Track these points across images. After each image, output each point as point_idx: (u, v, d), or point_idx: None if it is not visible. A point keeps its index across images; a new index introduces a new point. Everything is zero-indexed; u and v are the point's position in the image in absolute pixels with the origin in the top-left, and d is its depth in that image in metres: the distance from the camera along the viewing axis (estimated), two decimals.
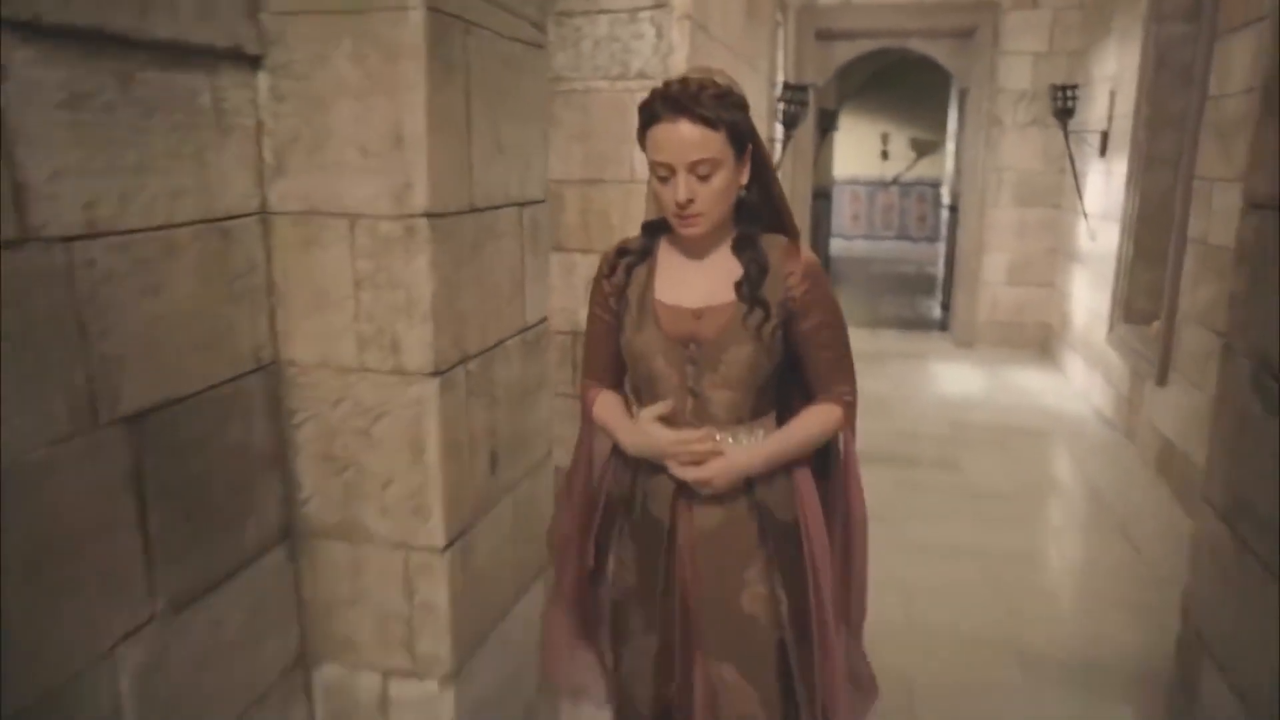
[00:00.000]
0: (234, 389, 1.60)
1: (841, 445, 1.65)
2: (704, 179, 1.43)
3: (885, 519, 3.47)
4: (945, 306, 8.10)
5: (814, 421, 1.59)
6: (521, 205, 1.99)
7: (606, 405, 1.67)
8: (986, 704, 2.58)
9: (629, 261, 1.60)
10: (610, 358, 1.66)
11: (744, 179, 1.50)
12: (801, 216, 7.33)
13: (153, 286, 1.40)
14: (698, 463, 1.52)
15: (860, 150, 14.10)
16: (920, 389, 6.18)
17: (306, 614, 1.84)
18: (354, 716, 1.87)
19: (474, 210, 1.75)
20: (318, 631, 1.84)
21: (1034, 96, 6.77)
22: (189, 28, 1.41)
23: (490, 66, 1.78)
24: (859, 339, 7.10)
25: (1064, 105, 6.04)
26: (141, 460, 1.39)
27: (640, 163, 3.31)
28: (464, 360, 1.78)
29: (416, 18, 1.52)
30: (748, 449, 1.54)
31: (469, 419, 1.82)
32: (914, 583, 3.25)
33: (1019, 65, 6.87)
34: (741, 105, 1.45)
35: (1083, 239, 6.15)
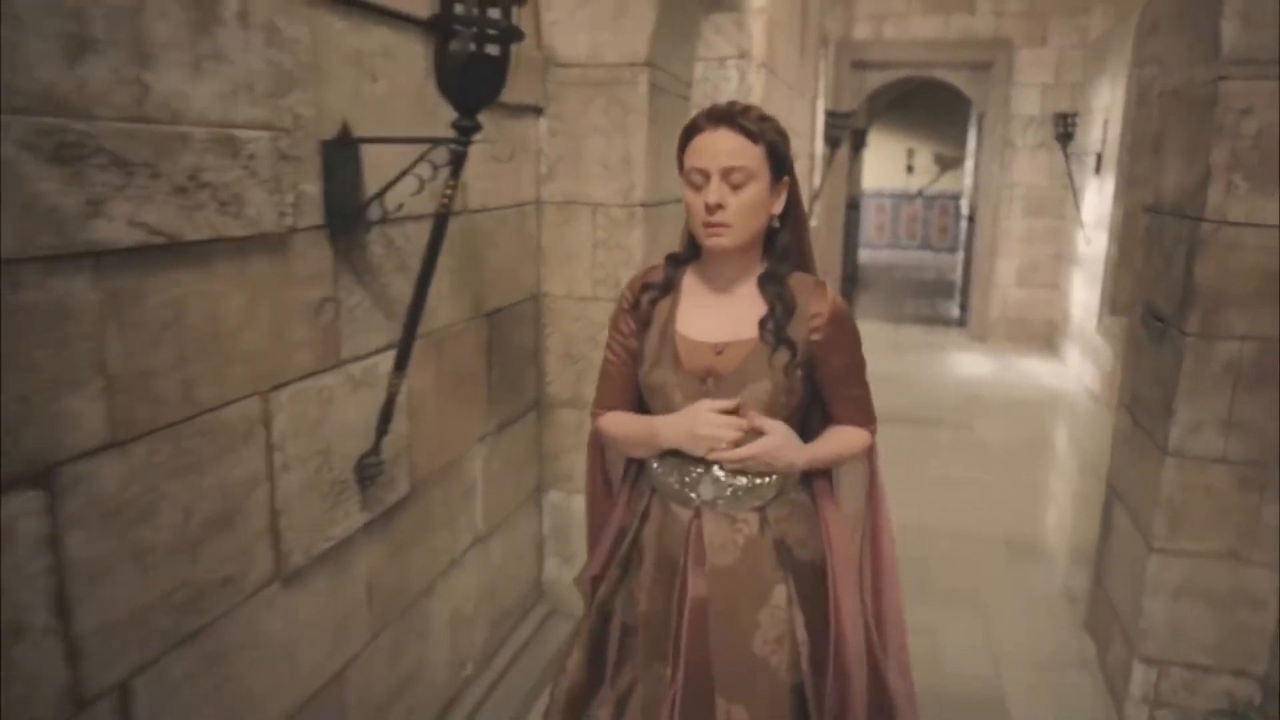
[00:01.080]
0: (522, 307, 2.67)
1: (869, 475, 1.71)
2: (736, 189, 1.43)
3: (905, 463, 4.56)
4: (962, 306, 9.12)
5: (844, 437, 1.62)
6: (679, 201, 3.06)
7: (619, 417, 1.66)
8: (981, 572, 3.62)
9: (653, 295, 1.58)
10: (622, 394, 1.66)
11: (777, 208, 1.51)
12: (836, 226, 8.39)
13: (496, 241, 2.47)
14: (738, 444, 1.49)
15: (886, 165, 15.11)
16: (938, 371, 7.20)
17: (544, 457, 2.89)
18: (569, 527, 2.92)
19: (660, 203, 2.81)
20: (549, 469, 2.90)
21: (1041, 122, 7.79)
22: (523, 95, 2.48)
23: (666, 113, 2.84)
24: (883, 333, 8.19)
25: (1065, 131, 7.06)
26: (491, 337, 2.46)
27: None
28: None
29: (643, 88, 2.58)
30: (797, 444, 1.55)
31: None
32: (927, 501, 4.29)
33: (1029, 94, 7.90)
34: (783, 134, 1.49)
35: (1080, 245, 7.15)
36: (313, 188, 1.65)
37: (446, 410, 2.24)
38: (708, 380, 1.51)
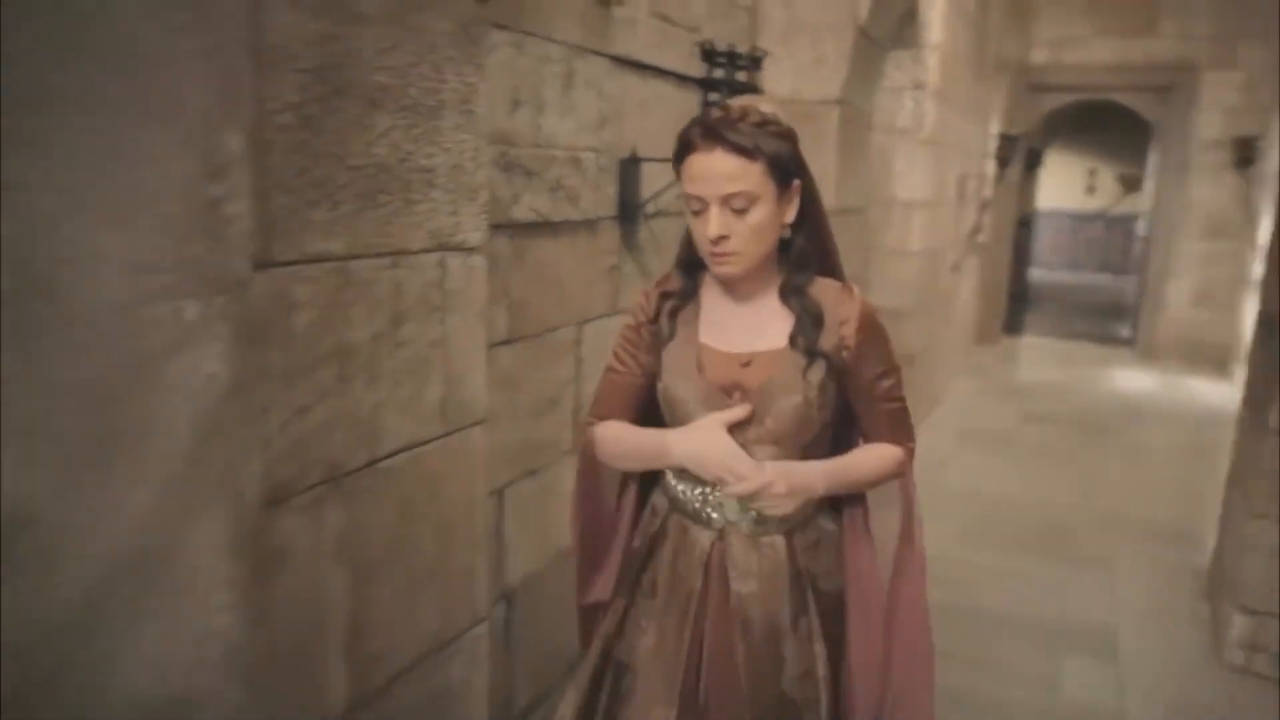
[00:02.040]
0: None
1: (904, 498, 1.53)
2: (739, 213, 1.30)
3: (1060, 456, 5.03)
4: (1133, 326, 9.21)
5: (873, 455, 1.47)
6: (864, 209, 3.75)
7: (620, 427, 1.51)
8: (1119, 545, 4.09)
9: (673, 305, 1.46)
10: (623, 405, 1.52)
11: (788, 216, 1.36)
12: (1005, 243, 8.73)
13: None
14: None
15: (1066, 184, 14.97)
16: (1102, 384, 7.45)
17: None
18: None
19: (845, 211, 3.51)
20: None
21: (1224, 145, 7.86)
22: None
23: (852, 137, 3.53)
24: (1048, 346, 8.47)
25: (1246, 155, 7.17)
26: None
27: (898, 184, 4.99)
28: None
29: (834, 120, 3.29)
30: (813, 466, 1.40)
31: None
32: (1079, 487, 4.73)
33: (1212, 117, 7.98)
34: (785, 135, 1.33)
35: (1255, 269, 7.22)
36: (612, 190, 2.47)
37: None
38: (734, 395, 1.39)
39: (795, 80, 3.30)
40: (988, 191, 7.34)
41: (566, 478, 2.42)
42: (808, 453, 1.41)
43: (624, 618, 1.52)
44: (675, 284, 1.49)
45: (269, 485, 1.05)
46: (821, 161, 3.31)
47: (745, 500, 1.37)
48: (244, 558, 0.93)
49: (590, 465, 1.59)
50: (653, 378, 1.49)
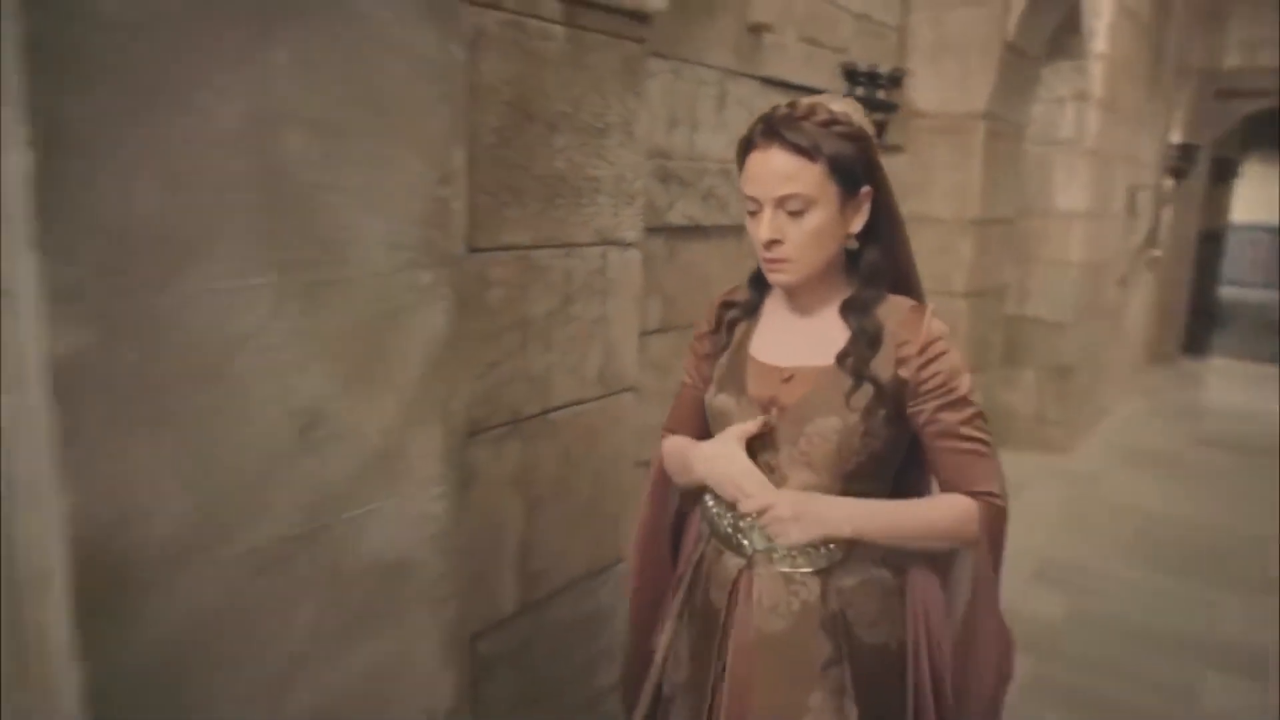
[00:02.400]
0: None
1: (975, 569, 1.28)
2: (795, 217, 1.20)
3: (1218, 479, 4.79)
4: None
5: (937, 507, 1.26)
6: (1013, 220, 3.82)
7: (677, 440, 1.43)
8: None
9: (734, 316, 1.39)
10: (690, 419, 1.45)
11: (854, 226, 1.24)
12: (1184, 258, 8.29)
13: None
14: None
15: (1268, 196, 13.87)
16: None
17: None
18: None
19: (987, 221, 3.60)
20: None
21: None
22: (890, 138, 3.43)
23: (999, 150, 3.62)
24: (1236, 369, 7.94)
25: None
26: None
27: (1058, 196, 4.96)
28: (992, 288, 3.64)
29: (980, 133, 3.41)
30: (843, 502, 1.23)
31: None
32: (1249, 509, 4.55)
33: None
34: (854, 136, 1.21)
35: None
36: None
37: None
38: (771, 411, 1.27)
39: (942, 95, 3.44)
40: (1163, 204, 7.04)
41: None
42: (851, 486, 1.24)
43: (670, 646, 1.43)
44: (740, 295, 1.40)
45: (467, 419, 1.38)
46: (965, 173, 3.43)
47: (757, 523, 1.26)
48: (451, 466, 1.25)
49: (660, 478, 1.47)
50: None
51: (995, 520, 1.24)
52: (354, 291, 1.08)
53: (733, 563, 1.32)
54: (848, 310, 1.26)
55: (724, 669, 1.31)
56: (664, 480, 1.46)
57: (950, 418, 1.23)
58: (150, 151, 0.89)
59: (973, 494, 1.23)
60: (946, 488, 1.26)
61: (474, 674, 1.46)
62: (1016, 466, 4.97)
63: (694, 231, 2.45)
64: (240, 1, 0.93)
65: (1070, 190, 5.06)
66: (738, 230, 2.64)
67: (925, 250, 3.58)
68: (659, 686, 1.44)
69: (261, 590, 1.04)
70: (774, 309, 1.36)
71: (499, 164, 1.43)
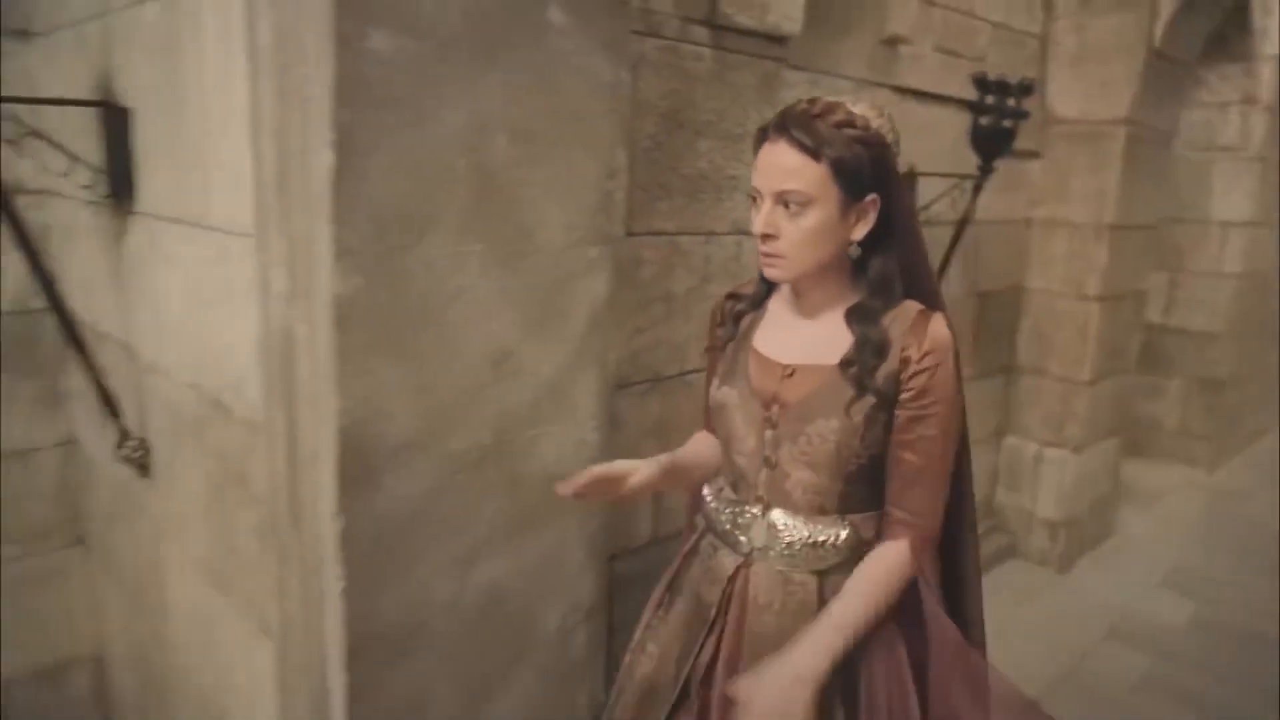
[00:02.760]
0: (1005, 294, 3.70)
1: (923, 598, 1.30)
2: (793, 213, 1.19)
3: None
4: None
5: (875, 572, 1.24)
6: (1154, 227, 3.83)
7: (696, 444, 1.47)
8: None
9: (740, 309, 1.39)
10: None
11: (856, 234, 1.22)
12: None
13: (992, 243, 3.53)
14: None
15: None
16: None
17: (1008, 407, 3.88)
18: (1020, 466, 3.87)
19: (1125, 227, 3.63)
20: (1010, 419, 3.88)
21: None
22: (1024, 143, 3.52)
23: (1141, 156, 3.63)
24: None
25: None
26: (979, 310, 3.54)
27: (1215, 203, 4.83)
28: (1129, 293, 3.68)
29: (1120, 140, 3.45)
30: (798, 657, 1.16)
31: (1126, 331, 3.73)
32: None
33: None
34: (867, 141, 1.19)
35: None
36: None
37: None
38: (772, 408, 1.27)
39: (1083, 102, 3.51)
40: None
41: None
42: (850, 487, 1.25)
43: (643, 638, 1.44)
44: (748, 289, 1.40)
45: (617, 373, 1.69)
46: (1103, 179, 3.49)
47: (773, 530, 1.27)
48: (604, 407, 1.56)
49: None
50: None
51: (919, 543, 1.25)
52: (539, 261, 1.40)
53: (729, 559, 1.32)
54: (853, 317, 1.24)
55: (711, 664, 1.30)
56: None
57: (912, 431, 1.22)
58: (403, 152, 1.23)
59: (897, 517, 1.25)
60: (892, 503, 1.26)
61: (610, 588, 1.76)
62: (1156, 476, 4.92)
63: None
64: (468, 41, 1.26)
65: (1230, 198, 4.92)
66: None
67: (1058, 255, 3.66)
68: (632, 674, 1.43)
69: (460, 484, 1.37)
70: (780, 306, 1.35)
71: (653, 164, 1.73)
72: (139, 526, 2.00)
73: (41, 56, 2.01)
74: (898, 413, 1.22)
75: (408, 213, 1.25)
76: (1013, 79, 2.68)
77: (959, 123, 3.00)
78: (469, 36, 1.24)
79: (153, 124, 1.66)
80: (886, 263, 1.24)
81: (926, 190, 2.97)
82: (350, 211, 1.18)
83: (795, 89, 2.45)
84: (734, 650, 1.29)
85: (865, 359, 1.22)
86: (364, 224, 1.20)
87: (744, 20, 1.78)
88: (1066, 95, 3.56)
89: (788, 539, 1.27)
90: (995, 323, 3.69)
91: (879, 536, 1.27)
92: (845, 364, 1.23)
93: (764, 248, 1.22)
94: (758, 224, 1.21)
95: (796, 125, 1.18)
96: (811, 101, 1.22)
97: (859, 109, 1.21)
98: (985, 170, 2.78)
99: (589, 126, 1.41)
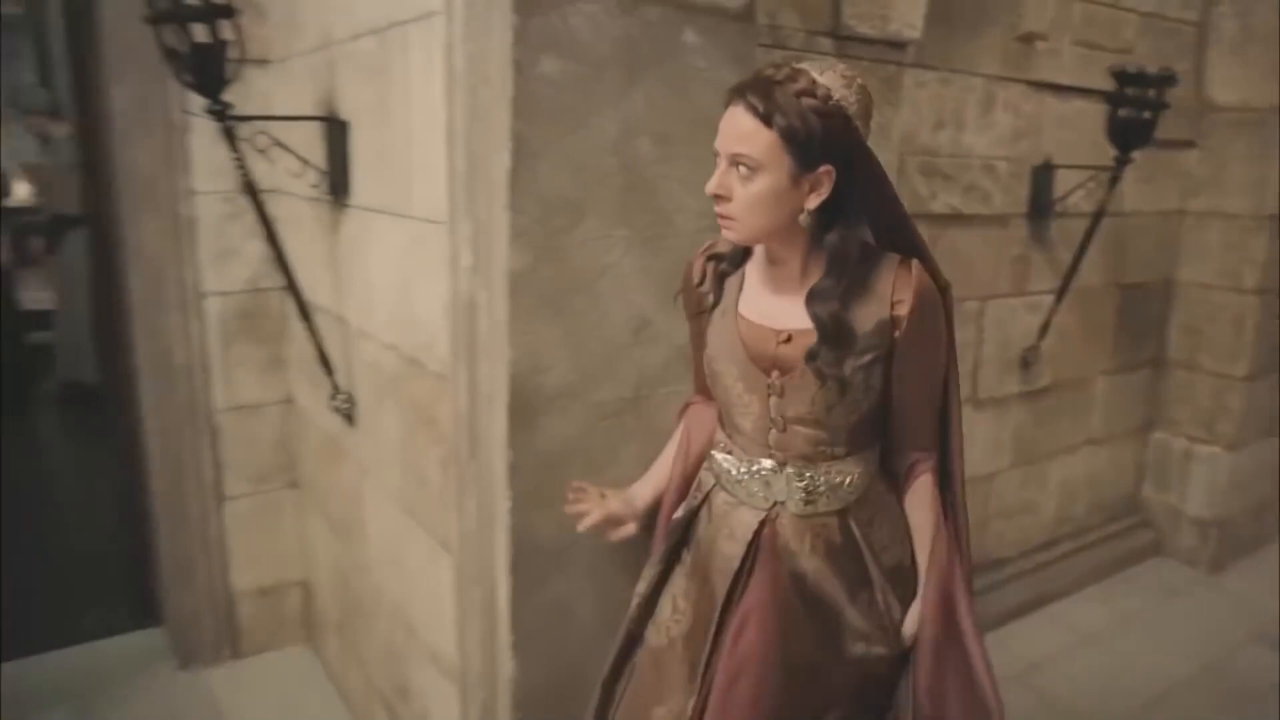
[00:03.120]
0: (1152, 287, 3.65)
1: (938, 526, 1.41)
2: (744, 178, 1.22)
3: None
4: None
5: (929, 515, 1.41)
6: None
7: (687, 424, 1.59)
8: None
9: (722, 268, 1.41)
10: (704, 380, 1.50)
11: (809, 203, 1.24)
12: None
13: (1137, 235, 3.50)
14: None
15: None
16: None
17: (1159, 402, 3.81)
18: (1170, 462, 3.80)
19: None
20: (1161, 414, 3.81)
21: None
22: (1173, 132, 3.47)
23: None
24: None
25: None
26: (1123, 303, 3.52)
27: None
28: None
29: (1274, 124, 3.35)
30: (930, 593, 1.37)
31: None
32: None
33: None
34: (826, 113, 1.19)
35: None
36: (1023, 192, 2.99)
37: (1082, 343, 3.40)
38: (772, 374, 1.32)
39: (1245, 89, 3.43)
40: None
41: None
42: (856, 436, 1.35)
43: (654, 590, 1.50)
44: (723, 247, 1.41)
45: None
46: (1264, 168, 3.41)
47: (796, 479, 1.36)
48: None
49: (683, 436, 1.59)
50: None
51: (936, 471, 1.42)
52: (673, 244, 1.66)
53: (750, 515, 1.37)
54: (811, 301, 1.27)
55: (728, 621, 1.36)
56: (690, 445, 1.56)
57: (913, 373, 1.32)
58: (564, 154, 1.51)
59: (914, 460, 1.39)
60: (895, 435, 1.39)
61: None
62: None
63: (955, 219, 2.79)
64: (616, 63, 1.53)
65: None
66: (1000, 220, 2.94)
67: (1214, 246, 3.59)
68: (631, 635, 1.52)
69: (603, 429, 1.65)
70: (757, 272, 1.37)
71: None
72: (344, 468, 2.41)
73: (277, 80, 2.45)
74: (896, 358, 1.30)
75: (568, 202, 1.53)
76: (1152, 70, 2.71)
77: (1100, 115, 3.04)
78: (618, 59, 1.51)
79: (366, 134, 2.03)
80: (843, 238, 1.26)
81: (1065, 182, 3.02)
82: (522, 202, 1.48)
83: (927, 86, 2.60)
84: (765, 596, 1.34)
85: (827, 346, 1.26)
86: (533, 211, 1.49)
87: (866, 30, 1.96)
88: (1227, 83, 3.48)
89: (808, 488, 1.35)
90: (1141, 315, 3.65)
91: (882, 463, 1.42)
92: (810, 356, 1.27)
93: (717, 208, 1.26)
94: (710, 183, 1.25)
95: (754, 91, 1.20)
96: (776, 68, 1.22)
97: (825, 78, 1.21)
98: (1122, 162, 2.82)
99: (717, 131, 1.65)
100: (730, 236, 1.29)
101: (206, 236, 2.55)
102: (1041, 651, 3.08)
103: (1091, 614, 3.36)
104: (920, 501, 1.41)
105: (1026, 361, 3.15)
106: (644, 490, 1.60)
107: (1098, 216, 2.95)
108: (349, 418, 2.29)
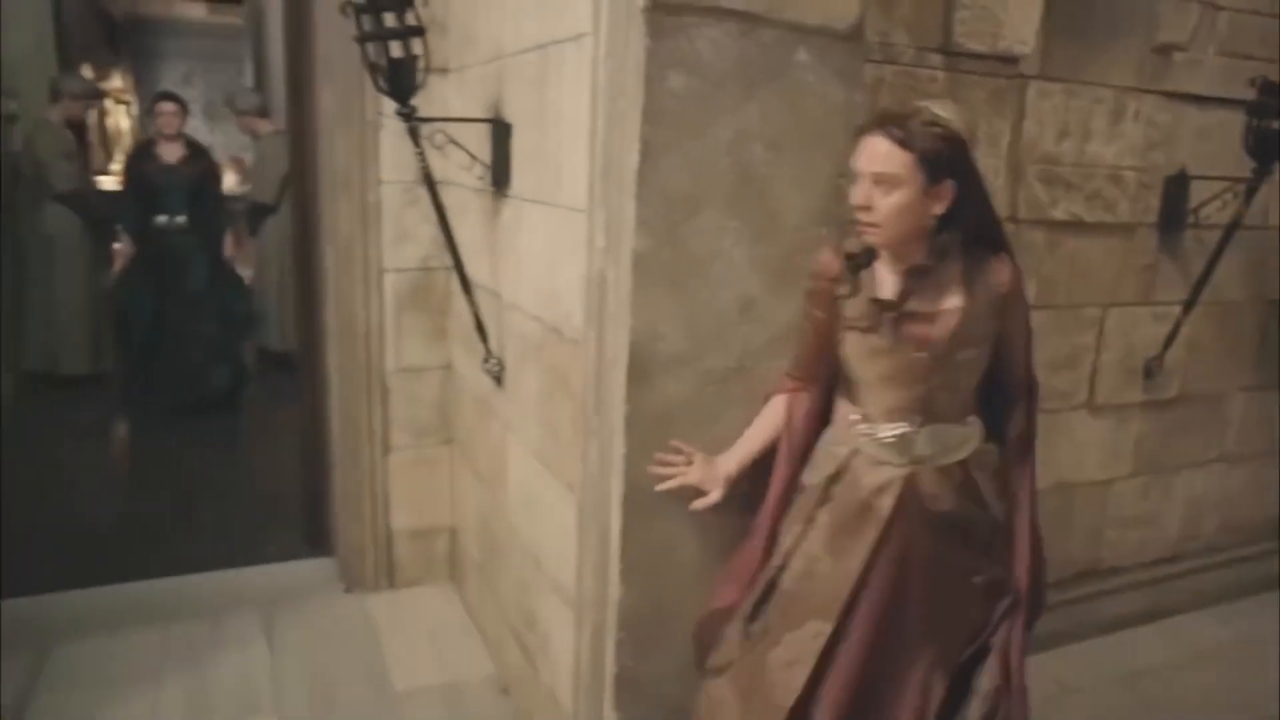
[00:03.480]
0: None
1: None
2: (884, 191, 1.55)
3: None
4: None
5: (1026, 422, 1.85)
6: None
7: (774, 409, 1.89)
8: None
9: (856, 263, 1.68)
10: (818, 365, 1.82)
11: (937, 209, 1.58)
12: None
13: None
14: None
15: None
16: None
17: None
18: None
19: None
20: None
21: None
22: None
23: None
24: None
25: None
26: (1268, 319, 3.42)
27: None
28: None
29: None
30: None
31: None
32: None
33: None
34: (947, 138, 1.54)
35: None
36: (1154, 202, 3.01)
37: (1217, 357, 3.35)
38: (925, 348, 1.63)
39: None
40: None
41: (1075, 424, 3.07)
42: (976, 392, 1.75)
43: (794, 549, 1.76)
44: (857, 246, 1.68)
45: None
46: None
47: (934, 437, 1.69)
48: None
49: (791, 434, 1.84)
50: (835, 333, 1.73)
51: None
52: (780, 235, 1.88)
53: (894, 471, 1.68)
54: (910, 274, 1.64)
55: (874, 564, 1.67)
56: (794, 437, 1.84)
57: (1019, 337, 1.77)
58: (686, 156, 1.77)
59: (1017, 394, 1.82)
60: (1016, 390, 1.82)
61: None
62: None
63: (1077, 227, 2.86)
64: (734, 78, 1.77)
65: None
66: (1126, 228, 2.98)
67: None
68: (773, 582, 1.78)
69: (709, 394, 1.90)
70: (885, 267, 1.68)
71: None
72: (491, 425, 2.77)
73: (454, 87, 2.83)
74: (1006, 323, 1.71)
75: (687, 197, 1.78)
76: None
77: (1239, 127, 3.02)
78: (736, 75, 1.75)
79: (525, 135, 2.36)
80: (950, 238, 1.63)
81: (1201, 193, 3.02)
82: (648, 195, 1.75)
83: (1052, 97, 2.70)
84: (914, 539, 1.69)
85: (910, 295, 1.63)
86: (657, 203, 1.76)
87: (976, 46, 2.11)
88: None
89: (946, 443, 1.71)
90: None
91: (983, 416, 1.78)
92: (887, 307, 1.63)
93: (862, 216, 1.60)
94: (856, 196, 1.60)
95: (891, 123, 1.55)
96: (901, 104, 1.64)
97: (942, 111, 1.57)
98: (1260, 173, 2.81)
99: (825, 137, 1.86)
100: (872, 240, 1.62)
101: (388, 220, 2.98)
102: (1148, 661, 3.09)
103: (1210, 632, 3.32)
104: (1019, 415, 1.85)
105: (1150, 371, 3.16)
106: (730, 461, 1.86)
107: (1231, 228, 2.94)
108: (498, 379, 2.63)
